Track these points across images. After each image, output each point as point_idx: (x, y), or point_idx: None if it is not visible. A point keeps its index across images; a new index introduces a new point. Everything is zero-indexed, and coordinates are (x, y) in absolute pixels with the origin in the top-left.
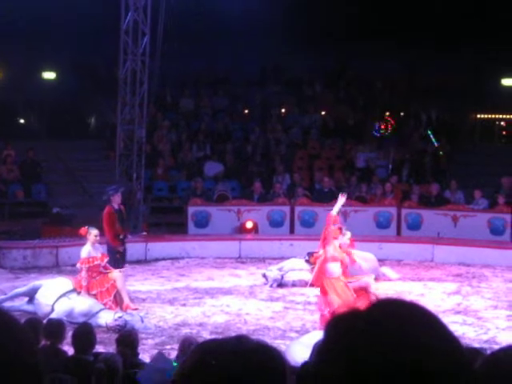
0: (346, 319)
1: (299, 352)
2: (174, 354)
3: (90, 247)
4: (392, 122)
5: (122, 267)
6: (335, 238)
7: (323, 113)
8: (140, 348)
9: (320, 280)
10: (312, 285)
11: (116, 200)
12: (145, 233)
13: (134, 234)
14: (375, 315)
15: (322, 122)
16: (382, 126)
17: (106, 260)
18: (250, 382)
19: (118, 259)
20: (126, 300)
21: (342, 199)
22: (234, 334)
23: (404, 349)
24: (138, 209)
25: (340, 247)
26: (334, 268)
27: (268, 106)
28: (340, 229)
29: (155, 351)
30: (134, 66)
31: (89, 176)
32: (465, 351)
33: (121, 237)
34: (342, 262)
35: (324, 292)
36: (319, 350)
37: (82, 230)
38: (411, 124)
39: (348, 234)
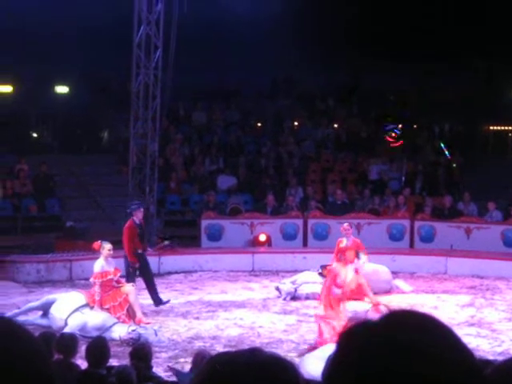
0: (357, 331)
1: (313, 365)
2: (187, 368)
3: (103, 261)
4: (400, 130)
5: (133, 281)
6: (351, 262)
7: (336, 126)
8: (153, 361)
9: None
10: None
11: (138, 215)
12: (167, 242)
13: (152, 246)
14: (387, 327)
15: (334, 135)
16: (393, 135)
17: (119, 274)
18: None
19: (130, 273)
20: (139, 314)
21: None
22: (247, 347)
23: (416, 360)
24: (151, 223)
25: (356, 272)
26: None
27: (280, 119)
28: (356, 253)
29: (169, 364)
30: (146, 80)
31: (101, 190)
32: (478, 363)
33: (139, 251)
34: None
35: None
36: (331, 362)
37: (96, 245)
38: (424, 136)
39: (363, 258)
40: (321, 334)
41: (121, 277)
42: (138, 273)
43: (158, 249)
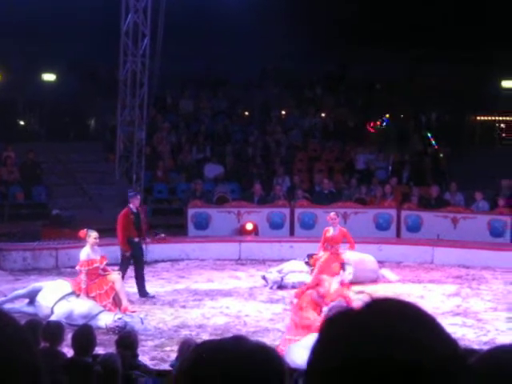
0: (340, 319)
1: (298, 354)
2: (173, 356)
3: (89, 249)
4: (387, 120)
5: (125, 270)
6: (336, 274)
7: (323, 115)
8: (139, 350)
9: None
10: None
11: (135, 202)
12: (163, 235)
13: (150, 236)
14: (369, 314)
15: (322, 124)
16: (378, 123)
17: (105, 262)
18: (249, 382)
19: (123, 261)
20: (125, 302)
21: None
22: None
23: (398, 348)
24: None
25: (341, 284)
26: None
27: (268, 108)
28: (342, 264)
29: (155, 353)
30: (134, 68)
31: (88, 178)
32: (460, 349)
33: (136, 240)
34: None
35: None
36: (313, 350)
37: (82, 233)
38: (411, 126)
39: (349, 269)
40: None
41: (107, 265)
42: (131, 261)
43: (155, 240)
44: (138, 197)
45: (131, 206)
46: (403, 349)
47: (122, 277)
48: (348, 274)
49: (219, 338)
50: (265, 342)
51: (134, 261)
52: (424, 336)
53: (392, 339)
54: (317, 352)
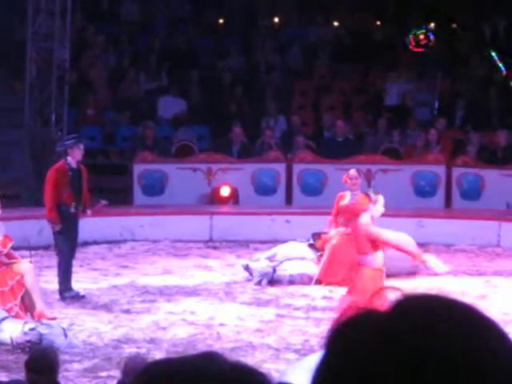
0: (354, 325)
1: (300, 380)
2: (112, 383)
3: None
4: (433, 32)
5: (66, 251)
6: (364, 211)
7: (336, 23)
8: (61, 375)
9: (344, 272)
10: (319, 281)
11: (75, 155)
12: (104, 201)
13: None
14: (397, 317)
15: (334, 37)
16: (421, 37)
17: (9, 245)
18: None
19: (65, 237)
20: (40, 305)
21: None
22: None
23: (436, 364)
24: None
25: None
26: (377, 254)
27: (253, 14)
28: (367, 195)
29: (84, 380)
30: None
31: None
32: None
33: (71, 209)
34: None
35: (354, 290)
36: (318, 367)
37: None
38: (468, 41)
39: (381, 200)
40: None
41: (13, 248)
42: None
43: (95, 210)
44: (81, 146)
45: (69, 158)
46: (447, 367)
47: (64, 262)
48: (381, 207)
49: (176, 356)
50: (246, 363)
51: (61, 241)
52: (481, 349)
53: (431, 353)
54: (321, 371)
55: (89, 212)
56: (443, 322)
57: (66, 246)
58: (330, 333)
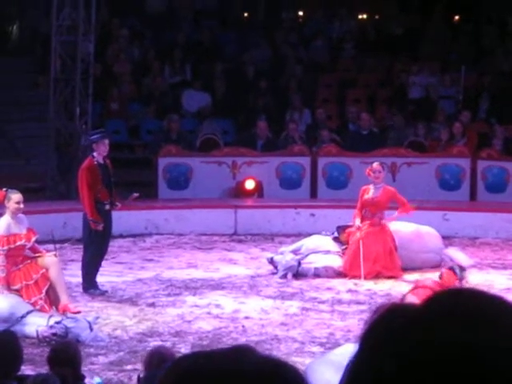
0: (389, 321)
1: (325, 374)
2: (135, 377)
3: (10, 219)
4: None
5: (99, 249)
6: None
7: (361, 17)
8: (87, 368)
9: (369, 265)
10: (344, 274)
11: (100, 150)
12: (136, 194)
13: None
14: (430, 316)
15: (358, 30)
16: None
17: (34, 238)
18: None
19: (97, 235)
20: (64, 298)
21: None
22: (227, 347)
23: (474, 358)
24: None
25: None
26: None
27: (277, 8)
28: (454, 272)
29: (110, 373)
30: None
31: (9, 112)
32: None
33: (106, 205)
34: None
35: None
36: (350, 366)
37: None
38: (493, 34)
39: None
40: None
41: (38, 242)
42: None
43: (126, 203)
44: (106, 141)
45: (96, 154)
46: (483, 361)
47: (100, 259)
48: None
49: (206, 350)
50: (279, 357)
51: (93, 238)
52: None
53: (466, 353)
54: (353, 370)
55: (118, 205)
56: (479, 324)
57: (96, 244)
58: (364, 329)
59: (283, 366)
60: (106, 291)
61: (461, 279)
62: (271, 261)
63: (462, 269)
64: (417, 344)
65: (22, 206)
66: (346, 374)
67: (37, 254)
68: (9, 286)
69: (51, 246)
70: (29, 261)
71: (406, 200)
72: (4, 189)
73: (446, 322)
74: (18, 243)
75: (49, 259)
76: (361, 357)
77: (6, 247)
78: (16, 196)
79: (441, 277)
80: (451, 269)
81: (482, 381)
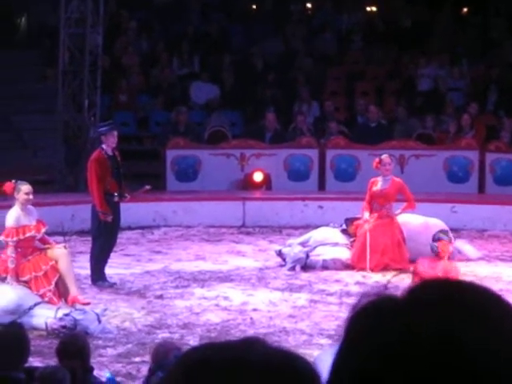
0: (372, 311)
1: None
2: (146, 370)
3: (20, 211)
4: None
5: (107, 241)
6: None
7: (369, 9)
8: (96, 361)
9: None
10: (351, 266)
11: (109, 141)
12: (148, 186)
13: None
14: (410, 303)
15: (367, 22)
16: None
17: (43, 230)
18: None
19: (105, 227)
20: (73, 290)
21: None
22: (235, 339)
23: (453, 354)
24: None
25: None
26: None
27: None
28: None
29: (119, 366)
30: None
31: (17, 104)
32: None
33: (115, 197)
34: None
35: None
36: (335, 358)
37: (7, 186)
38: (502, 26)
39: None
40: None
41: (46, 234)
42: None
43: (137, 195)
44: (115, 133)
45: (104, 146)
46: (469, 353)
47: (109, 251)
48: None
49: (215, 342)
50: (289, 348)
51: (102, 230)
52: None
53: (454, 339)
54: (338, 358)
55: (127, 196)
56: (464, 317)
57: (105, 236)
58: (346, 320)
59: (293, 356)
60: (115, 283)
61: (451, 241)
62: (279, 253)
63: (444, 231)
64: (400, 335)
65: (31, 197)
66: (332, 366)
67: (46, 246)
68: (18, 278)
69: (60, 238)
70: (38, 252)
71: (412, 196)
72: (13, 180)
73: (430, 313)
74: (28, 234)
75: (58, 251)
76: (345, 348)
77: (15, 238)
78: (25, 187)
79: (437, 253)
80: (439, 239)
81: (468, 373)
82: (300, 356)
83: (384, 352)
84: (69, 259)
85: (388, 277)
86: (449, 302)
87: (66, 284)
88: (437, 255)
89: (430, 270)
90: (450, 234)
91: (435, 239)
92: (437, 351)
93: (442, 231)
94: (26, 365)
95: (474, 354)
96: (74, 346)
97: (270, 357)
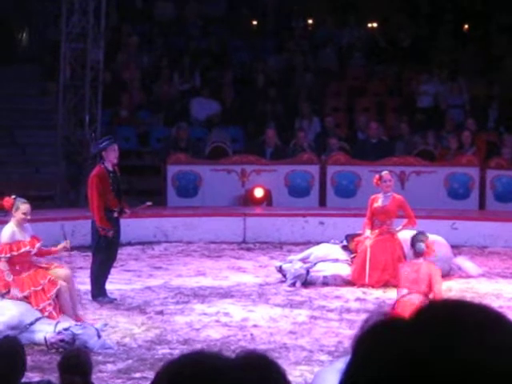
0: (379, 331)
1: (333, 383)
2: None
3: (15, 227)
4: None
5: (107, 256)
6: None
7: (370, 25)
8: (95, 376)
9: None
10: (352, 282)
11: (110, 156)
12: (149, 202)
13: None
14: (418, 328)
15: (368, 38)
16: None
17: (38, 245)
18: None
19: (105, 242)
20: (76, 309)
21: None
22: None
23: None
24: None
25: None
26: None
27: (287, 15)
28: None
29: (118, 381)
30: None
31: (19, 119)
32: None
33: (115, 213)
34: None
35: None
36: (343, 375)
37: (7, 201)
38: (503, 42)
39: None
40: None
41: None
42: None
43: (137, 211)
44: (115, 147)
45: (105, 162)
46: (471, 374)
47: (109, 266)
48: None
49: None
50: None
51: (102, 246)
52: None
53: (456, 360)
54: (347, 377)
55: (128, 212)
56: (470, 340)
57: (105, 252)
58: (355, 338)
59: (255, 356)
60: (115, 299)
61: (426, 240)
62: (280, 269)
63: (420, 233)
64: (404, 355)
65: (28, 217)
66: (340, 380)
67: (48, 265)
68: (20, 292)
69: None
70: (35, 268)
71: (412, 213)
72: (13, 196)
73: (435, 334)
74: (23, 250)
75: (61, 271)
76: (353, 366)
77: (8, 254)
78: (24, 207)
79: (424, 252)
80: (422, 240)
81: None
82: (262, 354)
83: (391, 371)
84: (73, 280)
85: (388, 293)
86: (451, 323)
87: (68, 301)
88: (422, 255)
89: (414, 273)
90: (426, 234)
91: (418, 240)
92: (438, 371)
93: (419, 233)
94: (25, 380)
95: (475, 372)
96: (76, 361)
97: (236, 359)
